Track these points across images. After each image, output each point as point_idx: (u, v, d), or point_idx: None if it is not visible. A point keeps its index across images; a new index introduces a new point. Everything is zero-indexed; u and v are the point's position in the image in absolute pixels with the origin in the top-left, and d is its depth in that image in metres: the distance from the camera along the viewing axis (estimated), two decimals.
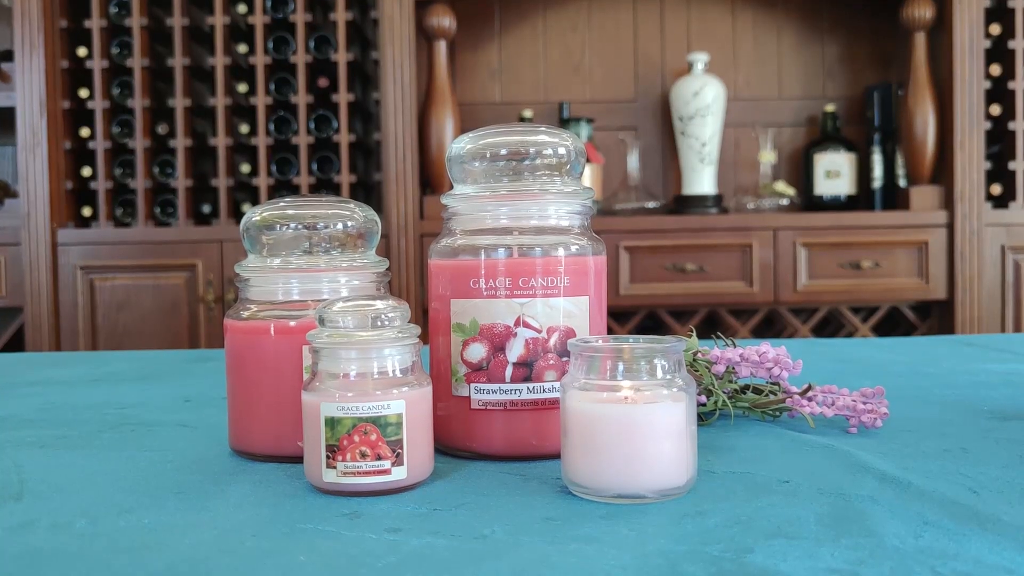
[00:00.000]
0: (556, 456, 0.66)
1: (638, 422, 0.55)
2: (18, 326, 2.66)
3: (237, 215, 2.67)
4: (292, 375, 0.67)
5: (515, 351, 0.66)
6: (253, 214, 0.70)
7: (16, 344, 2.70)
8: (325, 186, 2.66)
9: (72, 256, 2.58)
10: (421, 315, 2.54)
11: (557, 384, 0.66)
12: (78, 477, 0.64)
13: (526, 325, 0.66)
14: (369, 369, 0.59)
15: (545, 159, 0.68)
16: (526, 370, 0.66)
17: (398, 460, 0.58)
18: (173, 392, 0.99)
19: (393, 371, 0.59)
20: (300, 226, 0.69)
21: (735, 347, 0.78)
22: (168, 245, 2.59)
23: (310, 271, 0.68)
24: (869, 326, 2.66)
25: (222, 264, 2.57)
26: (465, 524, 0.52)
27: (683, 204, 2.71)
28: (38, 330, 2.57)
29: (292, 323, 0.67)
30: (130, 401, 0.94)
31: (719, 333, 0.84)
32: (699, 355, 0.75)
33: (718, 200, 2.71)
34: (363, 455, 0.58)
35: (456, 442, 0.68)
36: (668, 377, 0.57)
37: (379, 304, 0.61)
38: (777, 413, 0.78)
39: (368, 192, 2.76)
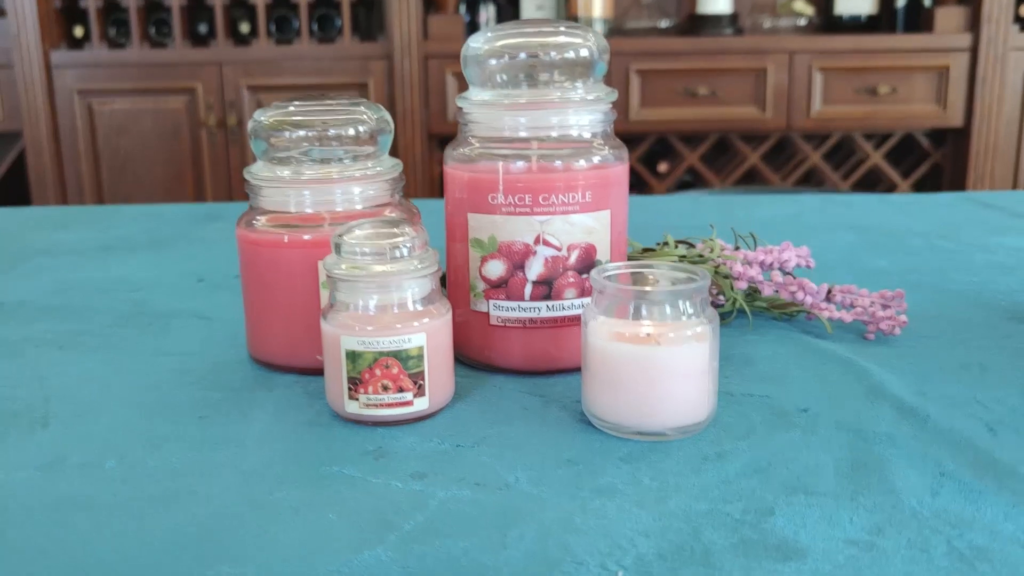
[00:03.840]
0: (575, 369, 0.66)
1: (661, 363, 0.55)
2: (19, 151, 2.62)
3: (235, 35, 2.57)
4: (308, 289, 0.66)
5: (534, 270, 0.65)
6: (261, 116, 0.68)
7: (19, 169, 2.68)
8: (326, 3, 2.55)
9: (68, 79, 2.52)
10: (425, 140, 2.50)
11: (577, 301, 0.66)
12: (101, 395, 0.64)
13: (546, 243, 0.64)
14: (389, 302, 0.58)
15: (567, 63, 0.65)
16: (545, 288, 0.65)
17: (420, 391, 0.59)
18: (185, 267, 0.99)
19: (413, 303, 0.59)
20: (310, 132, 0.67)
21: (754, 249, 0.77)
22: (166, 68, 2.51)
23: (323, 183, 0.66)
24: (882, 153, 2.63)
25: (222, 87, 2.51)
26: (488, 468, 0.53)
27: (697, 24, 2.61)
28: (39, 156, 2.53)
29: (307, 236, 0.66)
30: (143, 281, 0.93)
31: (738, 234, 0.82)
32: (720, 266, 0.73)
33: (733, 19, 2.60)
34: (385, 388, 0.58)
35: (474, 353, 0.68)
36: (693, 317, 0.56)
37: (397, 234, 0.59)
38: (794, 313, 0.78)
39: (369, 10, 2.65)
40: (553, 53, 0.65)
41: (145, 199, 2.55)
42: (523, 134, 0.65)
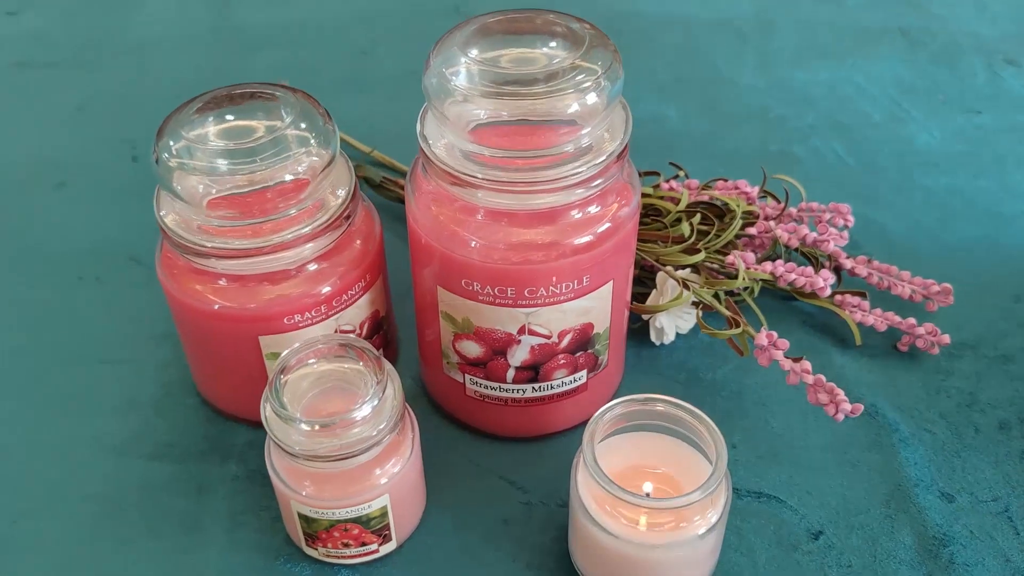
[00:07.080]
0: (563, 432, 0.59)
1: (657, 561, 0.48)
2: None
3: None
4: (250, 358, 0.56)
5: (518, 357, 0.54)
6: (169, 144, 0.52)
7: None
8: None
9: None
10: None
11: (568, 379, 0.56)
12: (37, 457, 0.58)
13: (532, 333, 0.53)
14: (345, 468, 0.49)
15: (567, 119, 0.48)
16: (531, 372, 0.55)
17: (385, 540, 0.52)
18: (115, 128, 0.85)
19: (375, 464, 0.50)
20: (239, 177, 0.51)
21: (784, 203, 0.65)
22: None
23: (259, 255, 0.52)
24: None
25: None
26: None
27: None
28: None
29: (250, 306, 0.54)
30: (69, 158, 0.81)
31: (764, 198, 0.68)
32: (742, 324, 0.61)
33: None
34: (346, 545, 0.51)
35: (450, 409, 0.60)
36: (698, 519, 0.48)
37: (351, 390, 0.49)
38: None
39: None
40: (549, 114, 0.48)
41: None
42: (505, 221, 0.50)
